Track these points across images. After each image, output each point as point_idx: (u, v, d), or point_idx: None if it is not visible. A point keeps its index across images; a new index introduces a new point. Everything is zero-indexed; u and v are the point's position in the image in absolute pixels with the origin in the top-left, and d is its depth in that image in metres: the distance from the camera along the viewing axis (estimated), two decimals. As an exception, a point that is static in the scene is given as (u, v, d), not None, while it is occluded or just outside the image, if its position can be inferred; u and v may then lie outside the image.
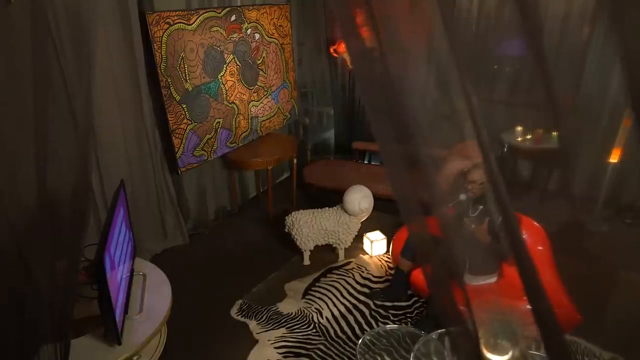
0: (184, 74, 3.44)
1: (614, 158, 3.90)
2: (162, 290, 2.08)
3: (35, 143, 1.07)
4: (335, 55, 4.81)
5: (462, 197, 2.98)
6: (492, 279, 2.97)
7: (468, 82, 1.01)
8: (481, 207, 2.97)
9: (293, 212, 3.48)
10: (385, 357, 2.51)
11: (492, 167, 0.94)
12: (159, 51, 3.23)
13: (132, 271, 2.16)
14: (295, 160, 4.41)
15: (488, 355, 2.03)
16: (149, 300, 2.02)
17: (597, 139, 4.35)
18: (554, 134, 4.42)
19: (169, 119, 3.39)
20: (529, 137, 4.40)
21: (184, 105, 3.49)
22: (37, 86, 1.05)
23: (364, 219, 3.54)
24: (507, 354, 2.04)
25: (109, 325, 1.66)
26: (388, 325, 2.73)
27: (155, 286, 2.12)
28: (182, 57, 3.41)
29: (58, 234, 1.21)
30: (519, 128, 4.49)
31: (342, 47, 4.66)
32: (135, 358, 1.97)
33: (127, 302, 1.95)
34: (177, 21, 3.32)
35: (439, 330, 2.45)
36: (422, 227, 1.09)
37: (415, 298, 3.13)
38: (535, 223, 2.97)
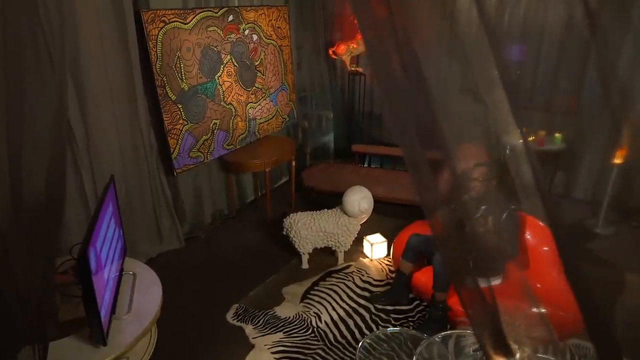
0: (179, 74, 3.38)
1: (618, 159, 3.82)
2: (153, 290, 1.99)
3: (7, 125, 0.99)
4: (334, 57, 4.75)
5: (465, 197, 2.90)
6: (497, 281, 2.87)
7: (507, 83, 0.95)
8: (484, 207, 2.89)
9: (291, 214, 3.40)
10: (387, 361, 2.41)
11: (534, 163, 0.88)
12: (154, 50, 3.18)
13: (121, 270, 2.07)
14: (293, 163, 4.34)
15: (494, 357, 1.93)
16: (139, 300, 1.93)
17: (602, 140, 4.28)
18: (557, 135, 4.36)
19: (165, 118, 3.32)
20: (531, 139, 4.33)
21: (180, 105, 3.43)
22: (9, 61, 0.97)
23: (364, 220, 3.45)
24: (513, 356, 1.94)
25: (92, 324, 1.57)
26: (389, 328, 2.63)
27: (146, 286, 2.03)
28: (178, 56, 3.35)
29: (33, 224, 1.13)
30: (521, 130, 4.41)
31: (340, 49, 4.61)
32: (123, 361, 1.88)
33: (115, 301, 1.86)
34: (173, 20, 3.27)
35: (443, 333, 2.35)
36: (450, 229, 1.02)
37: (417, 301, 3.03)
38: (540, 223, 2.88)
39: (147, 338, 2.01)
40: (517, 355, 1.95)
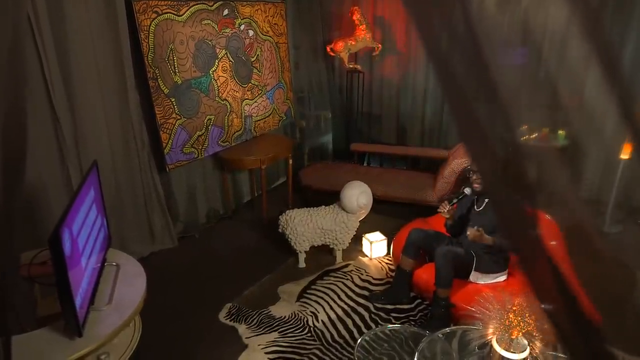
0: (172, 67, 3.29)
1: (625, 154, 3.70)
2: (136, 281, 1.86)
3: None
4: (332, 54, 4.67)
5: (467, 191, 2.80)
6: (502, 278, 2.74)
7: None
8: (487, 200, 2.77)
9: (287, 211, 3.28)
10: (387, 361, 2.27)
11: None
12: (146, 41, 3.09)
13: (103, 260, 1.95)
14: (290, 162, 4.23)
15: (503, 352, 1.80)
16: (121, 291, 1.80)
17: (607, 137, 4.18)
18: (560, 132, 4.26)
19: (157, 112, 3.23)
20: (534, 136, 4.22)
21: (173, 99, 3.33)
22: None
23: (363, 217, 3.33)
24: (523, 351, 1.81)
25: (67, 312, 1.44)
26: (389, 325, 2.49)
27: (129, 277, 1.90)
28: (171, 48, 3.26)
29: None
30: (523, 127, 4.31)
31: (338, 46, 4.52)
32: (103, 357, 1.75)
33: (95, 292, 1.73)
34: (165, 11, 3.19)
35: (445, 329, 2.22)
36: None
37: (419, 300, 2.90)
38: (547, 216, 2.75)
39: (130, 333, 1.88)
40: (527, 351, 1.83)
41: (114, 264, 1.99)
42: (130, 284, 1.85)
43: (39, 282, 1.81)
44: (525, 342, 1.82)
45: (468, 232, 2.61)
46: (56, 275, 1.38)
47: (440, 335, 2.16)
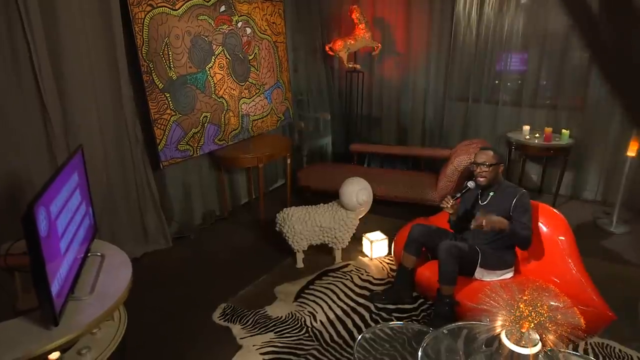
0: (167, 61, 3.22)
1: (631, 152, 3.60)
2: (121, 272, 1.75)
3: None
4: (331, 53, 4.60)
5: (471, 184, 2.70)
6: (508, 275, 2.63)
7: None
8: (492, 193, 2.67)
9: (285, 209, 3.17)
10: (388, 361, 2.14)
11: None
12: (140, 34, 3.02)
13: (87, 250, 1.84)
14: (289, 161, 4.13)
15: (512, 347, 1.68)
16: (104, 281, 1.69)
17: (611, 136, 4.09)
18: (564, 131, 4.16)
19: (151, 107, 3.14)
20: (537, 135, 4.12)
21: (168, 94, 3.25)
22: None
23: (363, 214, 3.22)
24: (535, 345, 1.69)
25: (41, 298, 1.33)
26: (390, 323, 2.37)
27: (114, 267, 1.79)
28: (167, 42, 3.19)
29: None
30: (527, 127, 4.23)
31: (337, 45, 4.46)
32: (84, 351, 1.63)
33: (76, 281, 1.62)
34: (160, 4, 3.12)
35: (449, 325, 2.10)
36: None
37: (422, 300, 2.78)
38: (555, 211, 2.65)
39: (114, 329, 1.76)
40: (539, 345, 1.70)
41: (99, 254, 1.88)
42: (115, 274, 1.74)
43: (18, 270, 1.70)
44: (537, 336, 1.70)
45: (472, 225, 2.49)
46: (30, 256, 1.27)
47: (444, 332, 2.03)
